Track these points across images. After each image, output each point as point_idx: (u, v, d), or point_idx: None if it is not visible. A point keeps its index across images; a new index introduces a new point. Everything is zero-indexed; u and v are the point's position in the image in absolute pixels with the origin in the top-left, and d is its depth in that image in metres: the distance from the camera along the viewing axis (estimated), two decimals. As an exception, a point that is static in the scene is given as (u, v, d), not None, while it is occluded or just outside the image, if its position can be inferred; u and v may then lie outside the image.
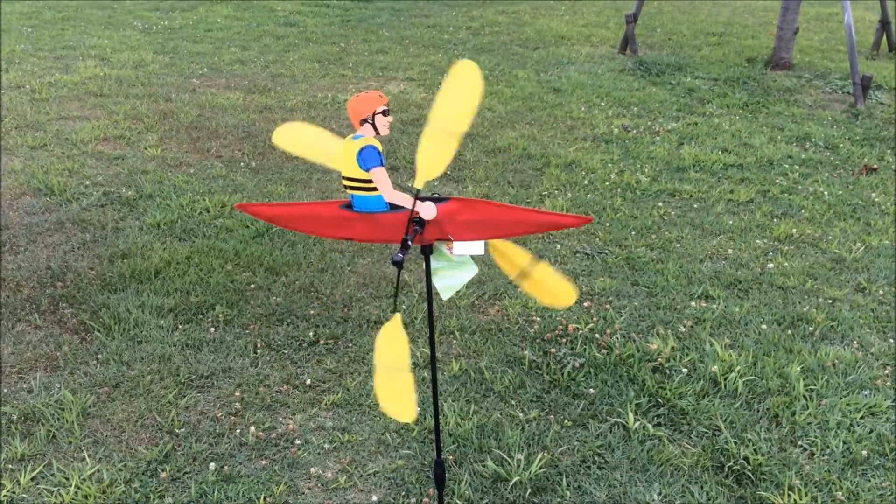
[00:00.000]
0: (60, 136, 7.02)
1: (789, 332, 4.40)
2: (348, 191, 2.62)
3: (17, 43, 10.32)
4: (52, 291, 4.53)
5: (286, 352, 4.10)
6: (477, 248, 2.66)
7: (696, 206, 6.08)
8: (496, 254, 2.78)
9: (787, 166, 6.95)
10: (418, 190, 2.49)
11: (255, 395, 3.75)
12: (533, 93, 8.93)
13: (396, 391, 2.66)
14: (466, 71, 2.39)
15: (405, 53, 10.69)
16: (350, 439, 3.49)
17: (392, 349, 2.62)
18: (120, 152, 6.71)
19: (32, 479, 3.23)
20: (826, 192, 6.37)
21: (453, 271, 2.74)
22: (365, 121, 2.59)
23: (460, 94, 2.42)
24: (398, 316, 2.60)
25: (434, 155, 2.48)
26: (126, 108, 7.84)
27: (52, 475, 3.25)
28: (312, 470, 3.32)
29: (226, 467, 3.31)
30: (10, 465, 3.30)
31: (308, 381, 3.86)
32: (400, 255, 2.40)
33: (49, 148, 6.74)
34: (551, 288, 2.78)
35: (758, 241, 5.51)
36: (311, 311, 4.44)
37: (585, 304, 4.61)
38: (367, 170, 2.53)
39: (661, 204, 6.08)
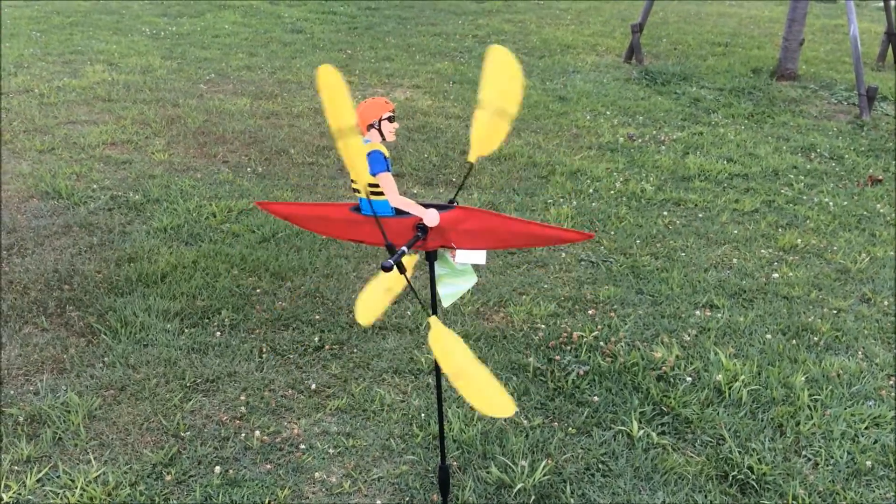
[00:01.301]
0: (68, 140, 7.05)
1: (794, 342, 4.40)
2: (356, 194, 2.65)
3: (25, 47, 10.38)
4: (59, 294, 4.56)
5: (291, 357, 4.11)
6: (479, 257, 2.68)
7: (700, 215, 6.09)
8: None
9: (792, 176, 6.95)
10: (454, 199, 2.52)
11: (261, 400, 3.77)
12: (539, 101, 8.95)
13: (481, 389, 2.54)
14: (499, 56, 2.41)
15: (411, 61, 10.73)
16: (354, 444, 3.50)
17: (451, 353, 2.53)
18: (127, 157, 6.75)
19: (38, 481, 3.24)
20: (831, 203, 6.38)
21: (456, 279, 2.77)
22: (372, 126, 2.62)
23: (502, 77, 2.42)
24: (435, 318, 2.56)
25: (487, 132, 2.47)
26: (134, 112, 7.88)
27: (57, 477, 3.26)
28: (317, 475, 3.33)
29: (231, 471, 3.32)
30: (16, 467, 3.31)
31: (313, 386, 3.87)
32: (390, 261, 2.42)
33: (57, 152, 6.77)
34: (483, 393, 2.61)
35: (763, 250, 5.52)
36: (317, 317, 4.45)
37: (590, 312, 4.62)
38: (374, 174, 2.55)
39: (666, 213, 6.09)
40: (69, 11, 13.11)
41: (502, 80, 2.43)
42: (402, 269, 2.52)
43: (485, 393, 2.56)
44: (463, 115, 8.35)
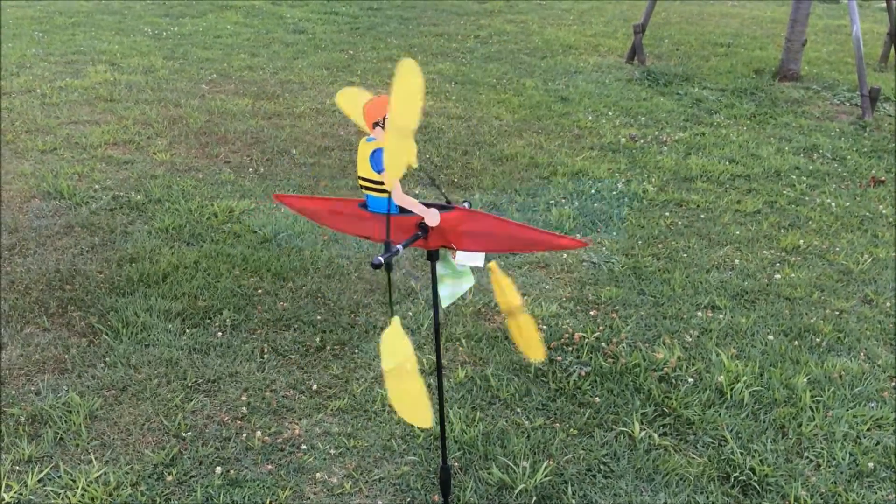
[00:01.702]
0: (70, 140, 7.06)
1: (796, 343, 4.39)
2: (363, 190, 2.66)
3: (27, 47, 10.39)
4: (60, 294, 4.56)
5: (293, 357, 4.11)
6: (477, 259, 2.68)
7: (703, 216, 6.08)
8: (495, 284, 2.82)
9: (794, 177, 6.95)
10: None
11: (262, 400, 3.77)
12: (540, 102, 8.95)
13: (408, 396, 2.58)
14: (409, 70, 2.38)
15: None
16: (356, 445, 3.50)
17: (394, 352, 2.53)
18: (129, 157, 6.75)
19: (39, 481, 3.24)
20: (833, 204, 6.37)
21: (456, 280, 2.77)
22: (377, 124, 2.62)
23: (407, 93, 2.40)
24: (397, 319, 2.56)
25: (396, 156, 2.45)
26: (136, 113, 7.88)
27: (58, 477, 3.26)
28: (318, 475, 3.33)
29: (232, 471, 3.32)
30: (17, 467, 3.31)
31: (314, 387, 3.87)
32: (379, 258, 2.41)
33: (59, 152, 6.78)
34: (528, 338, 2.85)
35: (765, 251, 5.51)
36: (318, 317, 4.45)
37: (591, 313, 4.62)
38: (379, 172, 2.56)
39: (667, 214, 6.09)
40: (71, 12, 13.12)
41: (408, 98, 2.39)
42: (389, 268, 2.50)
43: (410, 402, 2.58)
44: (465, 116, 8.35)
